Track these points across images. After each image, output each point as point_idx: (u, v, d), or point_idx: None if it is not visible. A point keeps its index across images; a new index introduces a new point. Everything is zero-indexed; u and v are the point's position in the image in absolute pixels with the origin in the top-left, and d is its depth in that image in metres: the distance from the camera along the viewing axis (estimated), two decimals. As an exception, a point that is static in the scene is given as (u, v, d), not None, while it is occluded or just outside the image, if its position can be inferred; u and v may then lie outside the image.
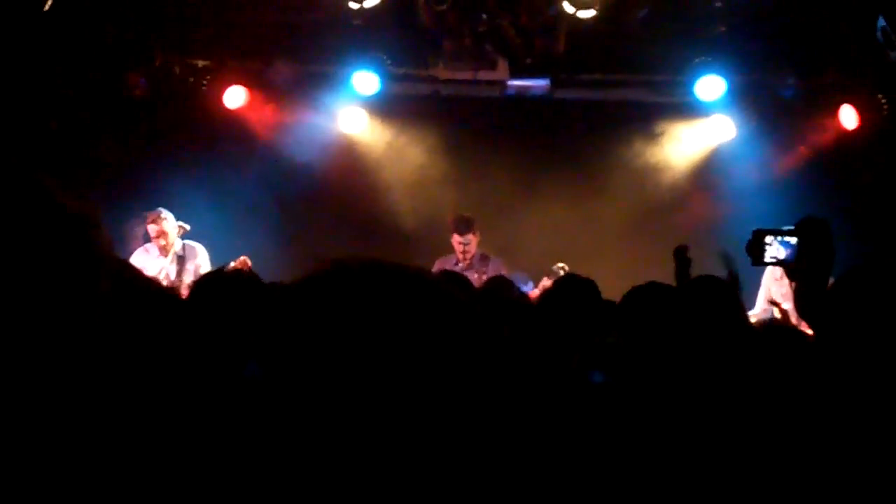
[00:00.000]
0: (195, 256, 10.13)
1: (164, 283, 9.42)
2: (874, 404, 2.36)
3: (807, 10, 10.68)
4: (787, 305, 9.84)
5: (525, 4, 11.00)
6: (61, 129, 10.98)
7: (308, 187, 12.08)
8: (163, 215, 10.17)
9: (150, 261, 10.05)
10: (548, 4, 10.81)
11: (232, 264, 9.41)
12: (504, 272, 9.65)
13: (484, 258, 10.41)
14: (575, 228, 11.68)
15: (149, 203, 10.62)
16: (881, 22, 10.04)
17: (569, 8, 10.39)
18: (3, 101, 10.02)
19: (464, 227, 10.36)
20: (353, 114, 12.21)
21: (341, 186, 12.30)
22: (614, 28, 11.08)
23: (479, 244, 10.56)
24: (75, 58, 10.69)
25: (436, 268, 10.14)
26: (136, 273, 3.09)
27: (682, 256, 5.72)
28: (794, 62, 11.35)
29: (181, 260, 10.06)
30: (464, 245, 10.36)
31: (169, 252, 10.13)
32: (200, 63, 11.95)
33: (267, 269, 9.30)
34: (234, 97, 12.02)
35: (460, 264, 10.31)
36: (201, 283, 4.40)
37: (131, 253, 10.26)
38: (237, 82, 12.01)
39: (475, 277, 9.65)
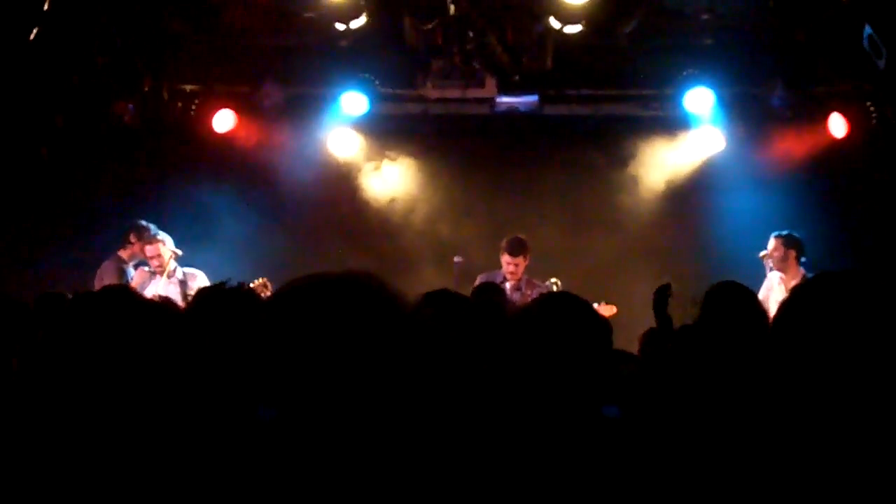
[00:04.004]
0: (196, 282, 10.12)
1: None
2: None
3: (794, 19, 10.70)
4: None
5: (512, 21, 11.01)
6: (52, 157, 10.98)
7: (298, 209, 12.04)
8: (160, 237, 10.19)
9: (150, 282, 10.09)
10: (534, 21, 10.82)
11: (251, 285, 9.46)
12: None
13: (530, 283, 10.36)
14: (566, 244, 11.67)
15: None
16: (868, 30, 10.06)
17: (555, 23, 10.40)
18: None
19: (516, 249, 10.34)
20: (342, 135, 12.19)
21: (332, 207, 12.27)
22: (602, 43, 11.10)
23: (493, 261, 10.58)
24: (64, 85, 10.68)
25: (478, 282, 10.05)
26: (139, 296, 3.10)
27: (662, 295, 5.74)
28: (783, 72, 11.36)
29: (183, 285, 10.06)
30: (513, 266, 10.34)
31: (162, 275, 10.14)
32: (188, 88, 11.96)
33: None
34: (223, 121, 12.02)
35: (507, 284, 10.23)
36: (202, 296, 4.42)
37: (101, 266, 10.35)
38: (225, 106, 12.01)
39: (517, 298, 9.64)
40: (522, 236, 10.48)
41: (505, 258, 10.36)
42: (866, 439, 2.32)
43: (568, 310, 4.09)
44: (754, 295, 5.06)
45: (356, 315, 1.72)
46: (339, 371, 1.66)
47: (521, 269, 10.37)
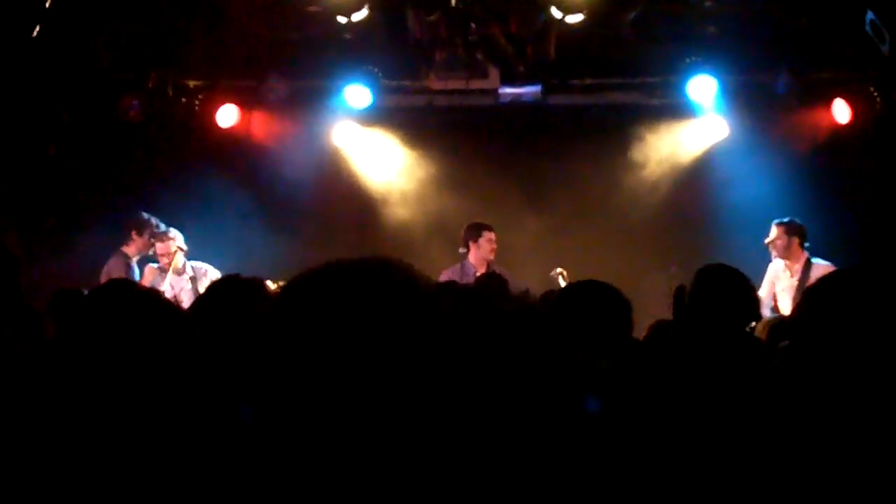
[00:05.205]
0: (206, 276, 10.13)
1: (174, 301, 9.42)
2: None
3: (797, 6, 10.70)
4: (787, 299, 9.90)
5: (514, 12, 11.02)
6: (59, 154, 11.02)
7: (303, 203, 12.06)
8: (171, 234, 10.22)
9: (160, 279, 10.13)
10: (537, 11, 10.81)
11: (273, 287, 9.41)
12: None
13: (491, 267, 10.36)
14: (571, 233, 11.67)
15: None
16: (870, 15, 10.06)
17: (557, 13, 10.39)
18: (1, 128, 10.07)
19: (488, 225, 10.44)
20: (346, 127, 12.19)
21: (337, 200, 12.30)
22: (604, 32, 11.09)
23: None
24: (70, 82, 10.72)
25: (443, 278, 9.95)
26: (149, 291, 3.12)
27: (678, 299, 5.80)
28: (786, 59, 11.35)
29: (194, 280, 10.10)
30: (495, 244, 10.42)
31: (169, 270, 10.17)
32: (192, 83, 11.98)
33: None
34: (227, 115, 12.04)
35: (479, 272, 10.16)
36: (215, 287, 4.45)
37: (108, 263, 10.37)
38: (230, 100, 12.03)
39: None
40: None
41: (487, 236, 10.39)
42: (873, 443, 2.30)
43: (613, 301, 4.14)
44: (743, 276, 5.04)
45: (381, 304, 1.67)
46: (363, 366, 1.63)
47: None
